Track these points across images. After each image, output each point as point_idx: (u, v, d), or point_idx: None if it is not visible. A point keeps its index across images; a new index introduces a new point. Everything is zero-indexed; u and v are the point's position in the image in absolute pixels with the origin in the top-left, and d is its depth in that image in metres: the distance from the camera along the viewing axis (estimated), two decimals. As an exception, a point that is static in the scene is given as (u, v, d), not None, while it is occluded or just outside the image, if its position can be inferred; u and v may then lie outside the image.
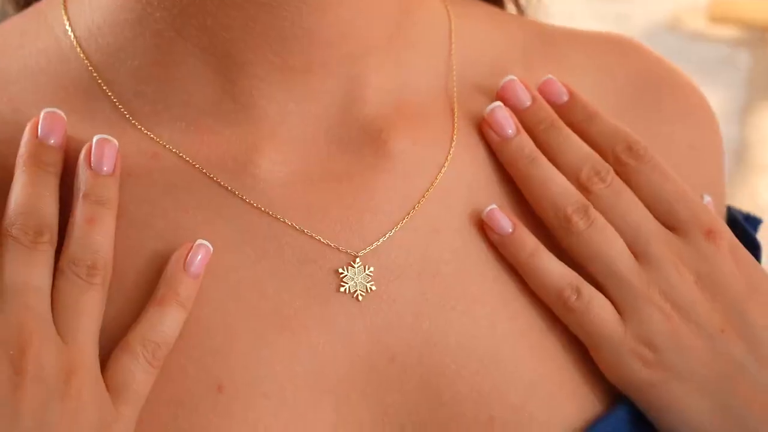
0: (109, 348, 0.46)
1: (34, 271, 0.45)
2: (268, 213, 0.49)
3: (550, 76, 0.55)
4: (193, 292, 0.47)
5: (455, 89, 0.55)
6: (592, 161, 0.53)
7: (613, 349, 0.51)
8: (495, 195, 0.54)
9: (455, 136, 0.54)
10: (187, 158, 0.50)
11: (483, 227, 0.52)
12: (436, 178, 0.52)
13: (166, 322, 0.46)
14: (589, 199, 0.52)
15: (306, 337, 0.48)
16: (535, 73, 0.57)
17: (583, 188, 0.53)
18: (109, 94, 0.50)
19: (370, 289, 0.49)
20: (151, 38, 0.50)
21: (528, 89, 0.55)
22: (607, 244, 0.52)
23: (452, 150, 0.53)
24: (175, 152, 0.50)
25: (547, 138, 0.54)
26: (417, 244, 0.51)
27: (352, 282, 0.49)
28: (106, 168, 0.47)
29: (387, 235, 0.50)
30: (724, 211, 0.62)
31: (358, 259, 0.49)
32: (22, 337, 0.43)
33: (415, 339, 0.49)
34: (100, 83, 0.50)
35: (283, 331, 0.48)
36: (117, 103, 0.50)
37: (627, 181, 0.53)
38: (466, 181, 0.53)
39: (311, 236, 0.49)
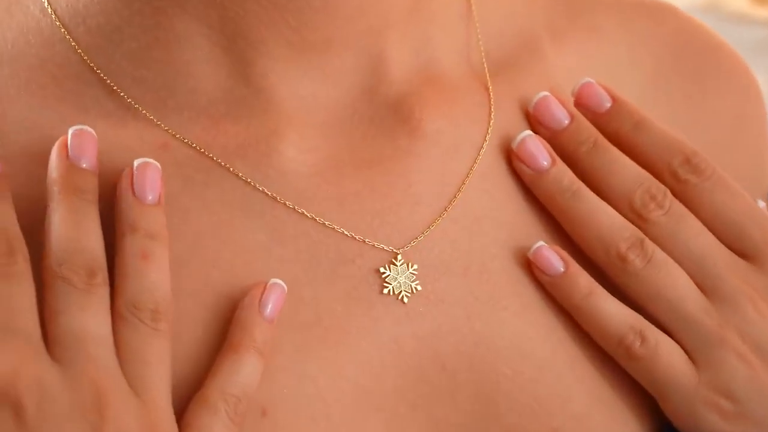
0: (179, 400, 0.40)
1: (92, 316, 0.38)
2: (296, 209, 0.44)
3: (588, 79, 0.49)
4: (270, 338, 0.41)
5: (485, 64, 0.50)
6: (645, 184, 0.47)
7: (685, 401, 0.45)
8: None
9: (493, 114, 0.48)
10: (201, 149, 0.44)
11: (530, 266, 0.46)
12: (476, 161, 0.47)
13: (244, 372, 0.40)
14: (645, 229, 0.46)
15: (351, 348, 0.43)
16: (564, 46, 0.52)
17: (638, 216, 0.46)
18: (105, 79, 0.44)
19: (415, 289, 0.44)
20: (151, 16, 0.43)
21: (565, 105, 0.48)
22: (671, 282, 0.45)
23: (490, 129, 0.48)
24: (187, 142, 0.44)
25: (591, 162, 0.47)
26: (460, 236, 0.46)
27: (396, 282, 0.44)
28: (151, 197, 0.41)
29: (430, 228, 0.45)
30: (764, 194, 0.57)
31: (399, 257, 0.44)
32: (97, 397, 0.37)
33: (466, 343, 0.44)
34: (92, 67, 0.44)
35: (325, 341, 0.42)
36: (116, 89, 0.44)
37: (687, 201, 0.47)
38: (507, 164, 0.48)
39: (346, 233, 0.44)
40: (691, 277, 0.46)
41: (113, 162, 0.43)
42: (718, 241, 0.47)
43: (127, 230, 0.40)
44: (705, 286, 0.46)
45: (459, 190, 0.46)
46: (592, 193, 0.47)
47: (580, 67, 0.52)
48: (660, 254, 0.45)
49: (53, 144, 0.42)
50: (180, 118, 0.44)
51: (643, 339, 0.45)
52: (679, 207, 0.47)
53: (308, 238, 0.44)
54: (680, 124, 0.53)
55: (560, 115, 0.48)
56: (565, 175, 0.47)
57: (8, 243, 0.38)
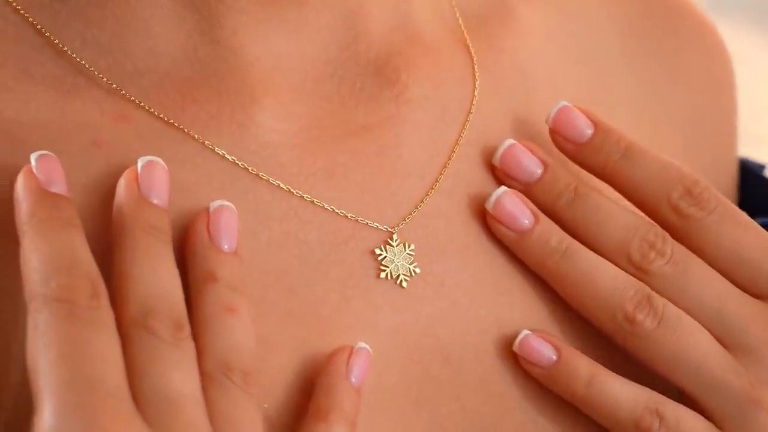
0: None
1: (184, 375, 0.32)
2: (281, 186, 0.38)
3: (564, 103, 0.42)
4: (359, 407, 0.36)
5: (460, 21, 0.46)
6: (641, 230, 0.41)
7: None
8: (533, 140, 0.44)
9: (478, 75, 0.44)
10: (169, 119, 0.38)
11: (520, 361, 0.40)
12: (464, 127, 0.43)
13: None
14: (648, 282, 0.40)
15: (350, 341, 0.38)
16: (536, 6, 0.48)
17: (638, 269, 0.40)
18: (53, 39, 0.38)
19: (414, 272, 0.39)
20: None
21: (535, 152, 0.42)
22: (688, 341, 0.40)
23: (477, 92, 0.44)
24: (152, 112, 0.38)
25: (574, 214, 0.41)
26: (455, 211, 0.41)
27: (393, 265, 0.39)
28: (227, 246, 0.36)
29: (423, 202, 0.40)
30: (736, 157, 0.55)
31: (395, 236, 0.39)
32: None
33: (471, 332, 0.40)
34: (36, 26, 0.38)
35: (323, 335, 0.38)
36: (67, 51, 0.38)
37: (691, 239, 0.41)
38: (497, 128, 0.44)
39: (337, 212, 0.39)
40: (709, 331, 0.40)
41: (71, 134, 0.37)
42: (732, 287, 0.41)
43: (207, 280, 0.35)
44: (726, 340, 0.40)
45: (449, 159, 0.42)
46: (584, 249, 0.41)
47: (555, 20, 0.48)
48: (671, 310, 0.40)
49: (3, 121, 0.36)
50: (140, 84, 0.38)
51: (662, 418, 0.39)
52: (682, 252, 0.41)
53: (297, 219, 0.38)
54: (658, 81, 0.50)
55: (531, 165, 0.41)
56: (551, 233, 0.41)
57: (92, 283, 0.32)
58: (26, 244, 0.33)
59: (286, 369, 0.37)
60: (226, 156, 0.38)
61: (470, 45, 0.45)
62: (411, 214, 0.40)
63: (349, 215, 0.39)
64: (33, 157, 0.34)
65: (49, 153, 0.34)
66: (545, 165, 0.41)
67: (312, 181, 0.39)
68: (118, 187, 0.35)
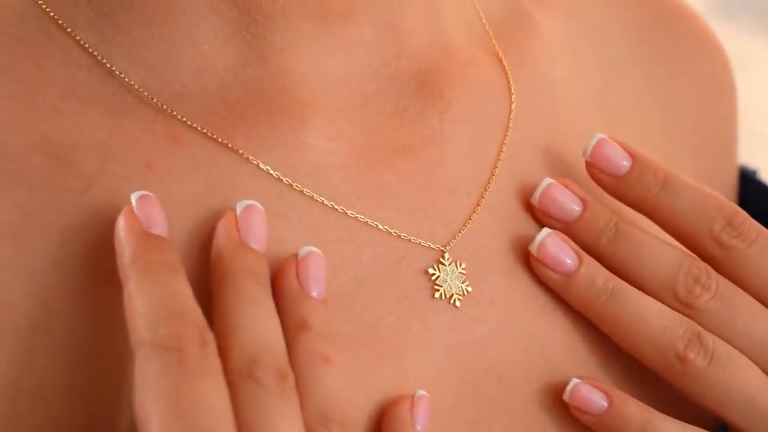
0: None
1: (289, 425, 0.32)
2: (333, 208, 0.38)
3: (600, 135, 0.41)
4: None
5: (490, 33, 0.45)
6: (685, 265, 0.40)
7: None
8: (554, 162, 0.44)
9: (513, 87, 0.44)
10: (221, 139, 0.37)
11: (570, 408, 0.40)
12: (504, 143, 0.42)
13: None
14: (694, 318, 0.40)
15: (410, 363, 0.37)
16: (548, 9, 0.48)
17: (684, 305, 0.40)
18: (100, 58, 0.37)
19: (466, 291, 0.39)
20: None
21: (573, 190, 0.41)
22: (740, 378, 0.39)
23: (514, 106, 0.43)
24: (204, 132, 0.37)
25: (615, 251, 0.40)
26: (500, 228, 0.41)
27: (446, 285, 0.39)
28: (316, 293, 0.35)
29: (471, 219, 0.40)
30: (737, 163, 0.55)
31: (447, 255, 0.39)
32: None
33: (518, 349, 0.40)
34: (82, 44, 0.37)
35: (382, 357, 0.37)
36: (114, 70, 0.37)
37: (734, 271, 0.41)
38: (533, 140, 0.43)
39: (390, 232, 0.38)
40: (757, 365, 0.40)
41: (123, 156, 0.36)
42: None
43: (300, 328, 0.34)
44: None
45: (492, 175, 0.41)
46: (630, 288, 0.40)
47: (570, 29, 0.48)
48: (722, 347, 0.39)
49: (44, 143, 0.35)
50: (190, 104, 0.37)
51: None
52: (727, 286, 0.40)
53: (351, 241, 0.38)
54: (666, 87, 0.50)
55: (570, 204, 0.41)
56: (597, 273, 0.40)
57: (200, 331, 0.31)
58: (132, 288, 0.32)
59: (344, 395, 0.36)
60: (281, 178, 0.37)
61: (502, 57, 0.45)
62: (460, 232, 0.40)
63: (402, 235, 0.39)
64: (134, 198, 0.33)
65: (149, 193, 0.34)
66: (584, 202, 0.41)
67: (364, 201, 0.39)
68: (218, 230, 0.34)
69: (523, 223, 0.41)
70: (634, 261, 0.40)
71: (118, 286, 0.33)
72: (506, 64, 0.44)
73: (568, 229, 0.41)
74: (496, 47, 0.45)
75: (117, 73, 0.37)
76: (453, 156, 0.41)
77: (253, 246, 0.34)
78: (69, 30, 0.37)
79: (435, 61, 0.42)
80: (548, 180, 0.41)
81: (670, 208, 0.41)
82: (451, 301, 0.39)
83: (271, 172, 0.37)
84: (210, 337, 0.31)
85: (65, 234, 0.34)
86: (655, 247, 0.40)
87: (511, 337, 0.40)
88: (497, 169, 0.42)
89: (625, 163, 0.41)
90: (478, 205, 0.41)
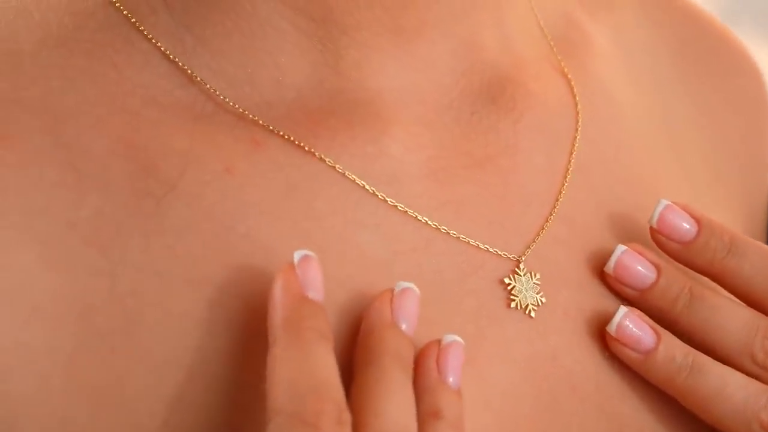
0: None
1: None
2: (412, 215, 0.38)
3: (665, 202, 0.40)
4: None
5: (553, 46, 0.46)
6: (762, 328, 0.40)
7: None
8: (621, 172, 0.44)
9: (578, 100, 0.44)
10: (303, 144, 0.37)
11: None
12: (572, 154, 0.43)
13: None
14: None
15: (490, 374, 0.38)
16: (598, 24, 0.49)
17: (762, 368, 0.39)
18: (182, 66, 0.37)
19: (541, 301, 0.39)
20: (228, 1, 0.37)
21: (646, 256, 0.40)
22: None
23: (580, 118, 0.44)
24: (286, 137, 0.37)
25: (690, 318, 0.40)
26: (573, 238, 0.41)
27: (522, 295, 0.39)
28: (453, 381, 0.34)
29: (544, 229, 0.40)
30: None
31: (522, 265, 0.39)
32: None
33: (592, 360, 0.40)
34: (165, 52, 0.37)
35: (464, 369, 0.36)
36: (197, 77, 0.37)
37: None
38: (599, 154, 0.44)
39: (467, 241, 0.39)
40: None
41: (202, 161, 0.36)
42: None
43: (433, 416, 0.33)
44: None
45: (563, 186, 0.42)
46: (710, 361, 0.39)
47: (621, 45, 0.49)
48: None
49: (124, 148, 0.35)
50: (269, 113, 0.38)
51: None
52: None
53: (429, 250, 0.38)
54: (712, 104, 0.51)
55: (645, 271, 0.40)
56: (675, 348, 0.39)
57: (339, 409, 0.31)
58: (278, 352, 0.31)
59: None
60: (363, 185, 0.37)
61: (566, 71, 0.45)
62: (534, 242, 0.40)
63: (478, 245, 0.39)
64: (296, 256, 0.33)
65: (311, 254, 0.33)
66: (658, 269, 0.40)
67: (442, 211, 0.39)
68: (372, 307, 0.35)
69: (596, 235, 0.42)
70: (712, 327, 0.40)
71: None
72: (570, 78, 0.45)
73: (642, 296, 0.40)
74: (560, 61, 0.45)
75: (198, 79, 0.37)
76: (526, 167, 0.41)
77: (404, 327, 0.34)
78: (150, 38, 0.37)
79: (506, 73, 0.42)
80: (621, 248, 0.40)
81: (738, 271, 0.40)
82: (527, 312, 0.39)
83: (353, 178, 0.37)
84: (347, 416, 0.31)
85: (146, 238, 0.34)
86: (731, 311, 0.40)
87: (584, 348, 0.40)
88: (567, 181, 0.42)
89: (690, 228, 0.40)
90: (551, 215, 0.41)
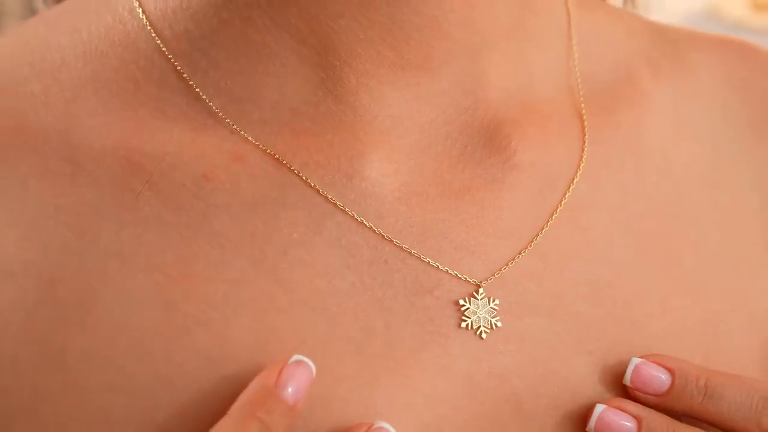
0: None
1: None
2: (376, 232, 0.41)
3: (637, 360, 0.42)
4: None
5: (580, 90, 0.47)
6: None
7: None
8: (627, 219, 0.46)
9: (586, 146, 0.46)
10: (282, 159, 0.42)
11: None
12: (565, 195, 0.44)
13: None
14: None
15: (423, 383, 0.40)
16: (662, 81, 0.50)
17: None
18: (192, 85, 0.42)
19: (495, 325, 0.41)
20: (241, 26, 0.42)
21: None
22: None
23: (584, 161, 0.45)
24: (268, 152, 0.42)
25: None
26: (547, 274, 0.43)
27: (475, 317, 0.41)
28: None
29: (513, 261, 0.42)
30: None
31: (481, 290, 0.42)
32: None
33: (546, 385, 0.42)
34: (180, 72, 0.42)
35: (395, 375, 0.40)
36: (203, 96, 0.42)
37: None
38: (600, 198, 0.45)
39: (427, 261, 0.41)
40: None
41: (186, 166, 0.41)
42: None
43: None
44: None
45: (547, 224, 0.44)
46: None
47: (677, 107, 0.49)
48: None
49: (123, 149, 0.41)
50: (262, 130, 0.42)
51: None
52: None
53: (386, 265, 0.41)
54: None
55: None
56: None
57: None
58: (223, 424, 0.36)
59: (350, 402, 0.39)
60: (337, 203, 0.41)
61: (585, 115, 0.46)
62: (500, 270, 0.42)
63: (438, 266, 0.41)
64: (293, 358, 0.38)
65: (308, 362, 0.37)
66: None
67: (407, 233, 0.42)
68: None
69: (576, 274, 0.43)
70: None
71: None
72: (586, 123, 0.46)
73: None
74: (581, 106, 0.47)
75: (203, 98, 0.42)
76: (510, 202, 0.43)
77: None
78: (170, 57, 0.43)
79: (511, 114, 0.45)
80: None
81: (716, 412, 0.41)
82: (477, 333, 0.41)
83: (324, 194, 0.41)
84: None
85: (119, 226, 0.40)
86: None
87: (538, 373, 0.41)
88: (554, 219, 0.44)
89: (665, 378, 0.42)
90: (526, 248, 0.43)
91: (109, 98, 0.42)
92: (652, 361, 0.42)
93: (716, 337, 0.45)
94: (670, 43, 0.52)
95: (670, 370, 0.42)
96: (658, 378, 0.42)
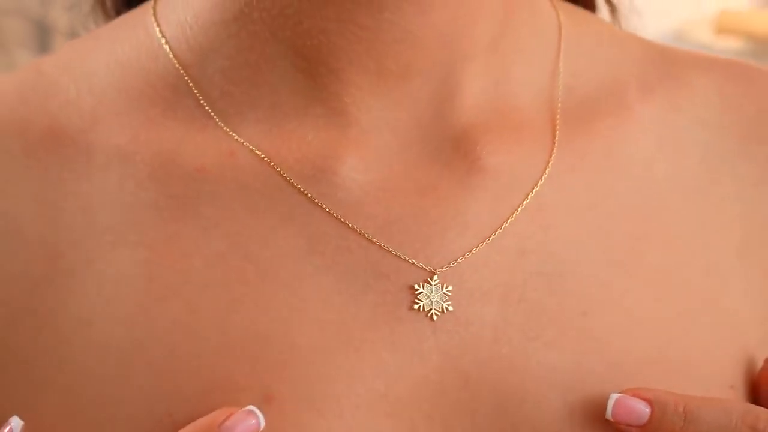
0: None
1: None
2: (341, 221, 0.46)
3: (616, 395, 0.45)
4: None
5: (560, 102, 0.51)
6: None
7: None
8: (595, 219, 0.49)
9: (555, 152, 0.50)
10: (265, 158, 0.47)
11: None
12: (528, 197, 0.48)
13: None
14: None
15: (371, 355, 0.44)
16: (651, 96, 0.53)
17: None
18: (195, 91, 0.48)
19: (447, 309, 0.45)
20: (246, 39, 0.48)
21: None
22: None
23: (550, 166, 0.49)
24: (254, 151, 0.47)
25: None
26: (502, 265, 0.47)
27: (428, 300, 0.45)
28: None
29: (470, 252, 0.46)
30: None
31: (435, 276, 0.46)
32: None
33: (492, 365, 0.45)
34: (186, 80, 0.49)
35: (347, 347, 0.44)
36: (201, 101, 0.48)
37: None
38: (564, 200, 0.49)
39: (387, 249, 0.46)
40: None
41: (181, 159, 0.47)
42: None
43: None
44: None
45: (507, 221, 0.47)
46: None
47: (663, 118, 0.52)
48: None
49: (134, 145, 0.48)
50: (254, 130, 0.48)
51: None
52: None
53: (348, 251, 0.46)
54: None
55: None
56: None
57: None
58: None
59: (304, 369, 0.44)
60: (303, 191, 0.46)
61: (558, 124, 0.50)
62: (457, 260, 0.46)
63: (398, 253, 0.46)
64: (246, 407, 0.42)
65: (259, 416, 0.42)
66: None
67: (371, 224, 0.46)
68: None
69: (530, 267, 0.47)
70: None
71: None
72: (558, 131, 0.50)
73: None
74: (557, 115, 0.51)
75: (202, 103, 0.48)
76: (473, 201, 0.47)
77: None
78: (181, 71, 0.49)
79: (483, 120, 0.49)
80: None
81: None
82: (428, 315, 0.45)
83: (299, 187, 0.46)
84: None
85: (120, 209, 0.46)
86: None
87: (483, 354, 0.45)
88: (514, 217, 0.47)
89: (644, 409, 0.44)
90: (483, 242, 0.47)
91: (128, 101, 0.49)
92: (631, 395, 0.44)
93: (680, 337, 0.48)
94: (666, 62, 0.55)
95: (648, 401, 0.44)
96: (638, 409, 0.44)
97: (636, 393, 0.45)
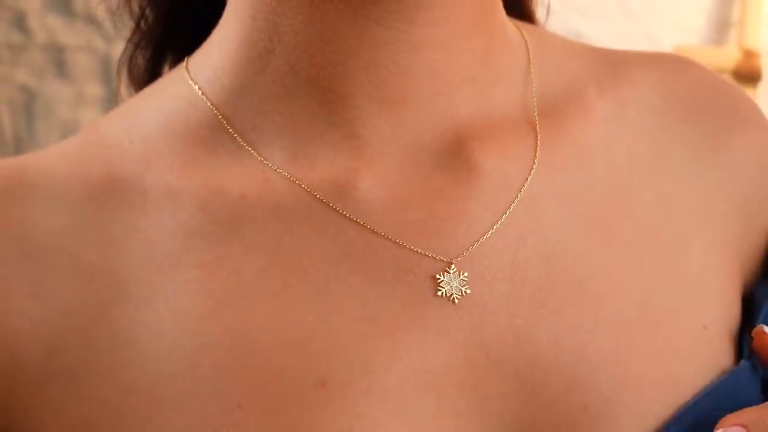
0: None
1: None
2: (367, 227, 0.53)
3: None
4: None
5: (536, 109, 0.59)
6: None
7: None
8: (577, 204, 0.57)
9: (538, 151, 0.57)
10: (296, 180, 0.54)
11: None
12: (521, 191, 0.56)
13: None
14: None
15: (404, 337, 0.51)
16: (606, 94, 0.62)
17: None
18: (229, 128, 0.56)
19: (465, 292, 0.53)
20: (269, 74, 0.55)
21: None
22: None
23: (536, 164, 0.57)
24: (285, 176, 0.55)
25: None
26: (506, 250, 0.54)
27: (448, 286, 0.53)
28: None
29: (478, 243, 0.54)
30: None
31: (453, 266, 0.53)
32: None
33: (509, 336, 0.52)
34: (220, 119, 0.56)
35: (382, 333, 0.51)
36: (235, 136, 0.55)
37: None
38: (550, 191, 0.57)
39: (408, 247, 0.53)
40: None
41: (223, 189, 0.55)
42: None
43: None
44: None
45: (505, 213, 0.55)
46: None
47: (617, 112, 0.61)
48: None
49: (184, 180, 0.55)
50: (282, 157, 0.55)
51: None
52: None
53: (375, 253, 0.53)
54: (716, 162, 0.62)
55: None
56: None
57: None
58: None
59: (343, 354, 0.51)
60: (330, 205, 0.54)
61: (538, 129, 0.58)
62: (468, 250, 0.54)
63: (418, 250, 0.53)
64: None
65: None
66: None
67: (392, 227, 0.54)
68: None
69: (530, 249, 0.55)
70: None
71: None
72: (539, 134, 0.58)
73: None
74: (536, 119, 0.59)
75: (236, 137, 0.56)
76: (473, 199, 0.55)
77: None
78: (214, 110, 0.56)
79: (477, 132, 0.57)
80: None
81: None
82: (450, 299, 0.53)
83: (323, 200, 0.54)
84: None
85: (175, 237, 0.53)
86: None
87: (501, 326, 0.52)
88: (511, 209, 0.55)
89: None
90: (488, 232, 0.55)
91: (173, 144, 0.56)
92: (727, 426, 0.50)
93: (658, 292, 0.56)
94: (612, 63, 0.64)
95: (742, 425, 0.50)
96: None
97: (729, 422, 0.50)
